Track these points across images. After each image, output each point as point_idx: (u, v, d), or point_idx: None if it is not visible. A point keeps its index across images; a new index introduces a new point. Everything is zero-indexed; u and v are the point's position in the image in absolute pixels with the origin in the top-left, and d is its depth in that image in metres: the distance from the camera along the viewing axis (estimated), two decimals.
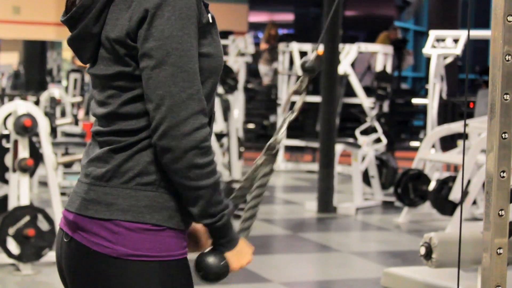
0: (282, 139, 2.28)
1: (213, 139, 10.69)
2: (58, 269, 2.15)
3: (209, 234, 2.07)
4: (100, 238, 2.00)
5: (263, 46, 15.99)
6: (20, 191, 6.08)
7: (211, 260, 2.06)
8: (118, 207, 2.00)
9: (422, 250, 3.47)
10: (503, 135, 2.07)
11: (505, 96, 2.06)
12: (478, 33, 10.24)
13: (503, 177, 2.08)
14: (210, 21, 2.05)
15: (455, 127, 8.45)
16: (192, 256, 2.12)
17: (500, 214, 2.09)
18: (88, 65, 2.12)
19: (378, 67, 11.65)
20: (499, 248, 2.09)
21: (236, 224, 2.12)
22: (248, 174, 2.28)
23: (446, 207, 8.01)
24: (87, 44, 2.07)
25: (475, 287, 3.53)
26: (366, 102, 11.05)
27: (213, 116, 2.12)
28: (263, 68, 15.86)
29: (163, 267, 2.01)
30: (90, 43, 2.06)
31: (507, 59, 2.06)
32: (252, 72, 16.05)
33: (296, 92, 2.32)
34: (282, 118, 2.32)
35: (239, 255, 2.08)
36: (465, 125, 2.27)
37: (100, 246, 2.00)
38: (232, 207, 2.05)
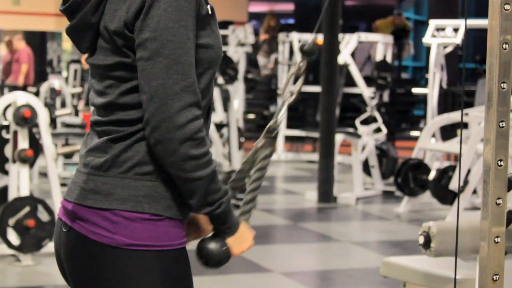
0: (281, 122, 2.28)
1: (213, 129, 10.67)
2: (56, 259, 2.15)
3: (210, 221, 2.08)
4: (99, 228, 2.00)
5: (263, 36, 15.98)
6: (20, 182, 6.09)
7: (212, 246, 2.07)
8: (117, 196, 2.00)
9: (421, 239, 3.48)
10: (501, 123, 2.07)
11: (502, 85, 2.06)
12: (476, 22, 10.22)
13: (501, 166, 2.08)
14: (210, 12, 2.04)
15: (455, 116, 8.45)
16: (193, 244, 2.12)
17: (498, 203, 2.09)
18: (86, 55, 2.12)
19: (378, 57, 11.64)
20: (497, 237, 2.09)
21: (236, 213, 2.12)
22: (247, 157, 2.29)
23: (446, 197, 8.02)
24: (85, 34, 2.07)
25: (474, 276, 3.54)
26: (366, 91, 11.04)
27: (212, 106, 2.12)
28: (262, 60, 15.84)
29: (162, 256, 2.01)
30: (89, 33, 2.06)
31: (504, 47, 2.05)
32: (252, 62, 16.04)
33: (295, 75, 2.32)
34: (281, 102, 2.32)
35: (240, 240, 2.09)
36: (463, 114, 2.27)
37: (99, 235, 2.00)
38: (230, 193, 2.06)
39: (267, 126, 2.27)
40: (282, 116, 2.28)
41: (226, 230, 2.07)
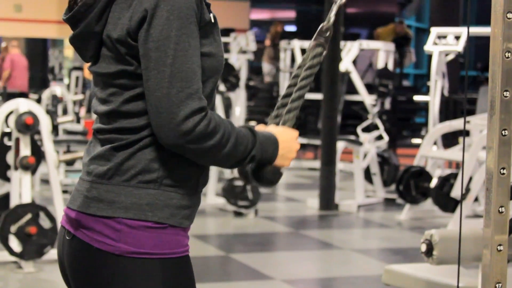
0: (333, 21, 2.28)
1: None
2: (60, 267, 2.15)
3: None
4: (103, 236, 2.01)
5: (268, 42, 16.01)
6: (22, 189, 6.09)
7: (261, 172, 2.10)
8: (120, 205, 2.01)
9: (423, 247, 3.48)
10: (503, 132, 2.07)
11: (505, 93, 2.06)
12: (478, 30, 10.23)
13: (503, 174, 2.08)
14: (212, 21, 2.05)
15: (457, 124, 8.45)
16: (193, 251, 2.12)
17: (500, 211, 2.09)
18: (89, 63, 2.12)
19: (380, 64, 11.64)
20: (499, 245, 2.09)
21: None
22: (300, 62, 2.29)
23: (448, 204, 8.01)
24: (89, 43, 2.07)
25: (476, 284, 3.54)
26: (367, 99, 11.04)
27: None
28: (267, 66, 15.85)
29: (165, 264, 2.01)
30: (92, 42, 2.07)
31: (506, 56, 2.06)
32: (254, 69, 16.05)
33: None
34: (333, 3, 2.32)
35: (285, 155, 2.11)
36: (465, 122, 2.27)
37: (102, 243, 2.00)
38: (257, 137, 2.05)
39: (320, 27, 2.28)
40: (334, 16, 2.28)
41: (268, 161, 2.09)
